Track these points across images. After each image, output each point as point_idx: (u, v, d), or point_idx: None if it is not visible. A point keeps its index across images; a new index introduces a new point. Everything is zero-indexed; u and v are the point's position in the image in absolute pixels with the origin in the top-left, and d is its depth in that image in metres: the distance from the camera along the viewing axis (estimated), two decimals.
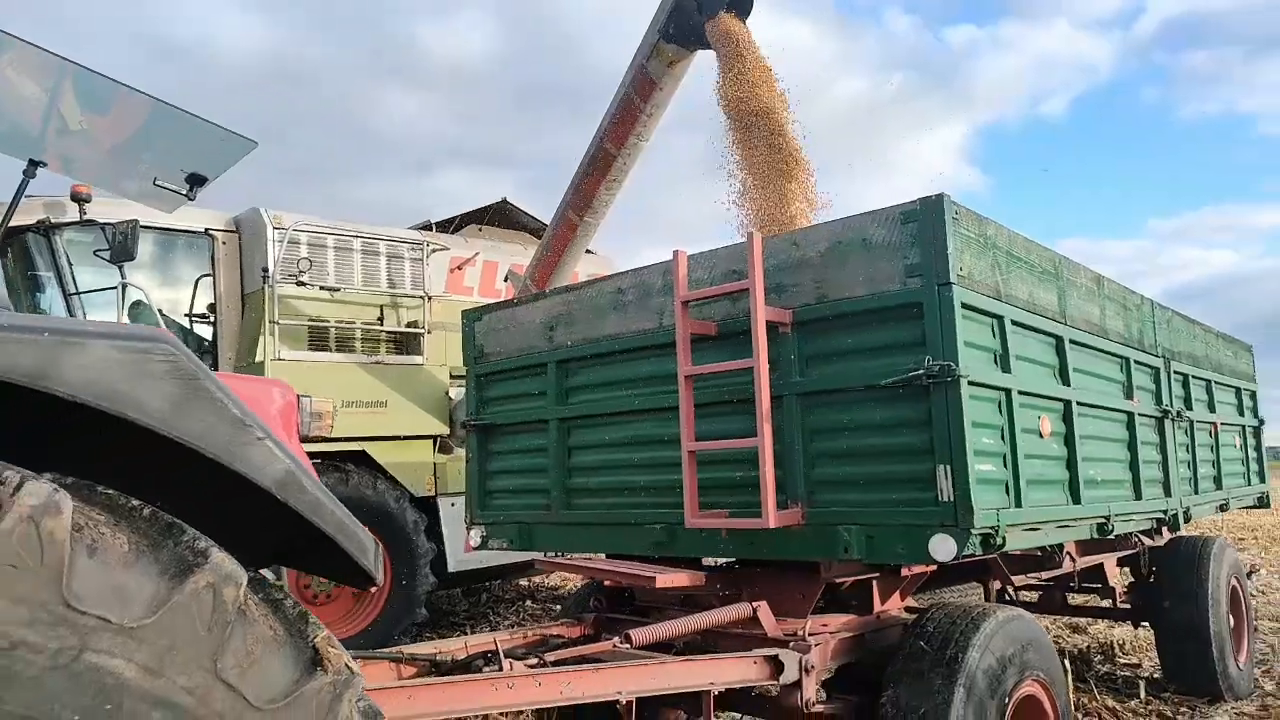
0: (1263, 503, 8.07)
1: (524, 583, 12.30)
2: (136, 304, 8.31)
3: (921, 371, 3.49)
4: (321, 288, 8.93)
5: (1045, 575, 5.64)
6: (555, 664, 3.47)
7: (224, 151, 4.47)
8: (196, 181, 4.62)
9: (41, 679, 1.35)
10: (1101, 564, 6.34)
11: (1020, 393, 3.89)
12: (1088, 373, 4.67)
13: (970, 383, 3.51)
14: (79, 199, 8.10)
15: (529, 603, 11.55)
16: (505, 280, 9.73)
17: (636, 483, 4.48)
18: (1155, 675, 7.17)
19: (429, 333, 9.47)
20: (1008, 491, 3.72)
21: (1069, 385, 4.37)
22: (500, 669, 3.28)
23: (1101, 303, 5.00)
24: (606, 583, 4.81)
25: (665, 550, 4.32)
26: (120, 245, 7.41)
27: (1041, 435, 4.08)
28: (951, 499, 3.42)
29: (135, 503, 1.54)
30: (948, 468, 3.43)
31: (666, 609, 4.57)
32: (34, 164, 4.97)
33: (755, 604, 3.97)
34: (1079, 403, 4.43)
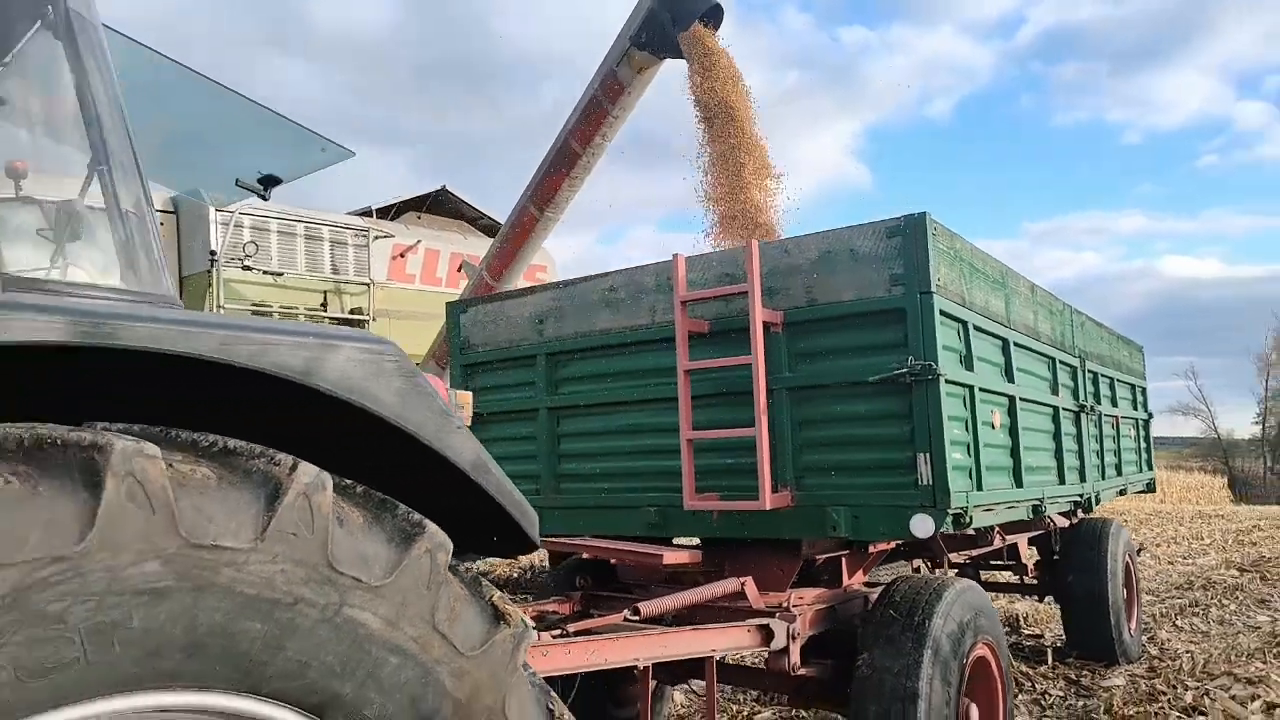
0: (1150, 488, 8.98)
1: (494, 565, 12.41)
2: None
3: (905, 370, 3.93)
4: (265, 272, 8.91)
5: (975, 552, 6.23)
6: (577, 634, 3.78)
7: (312, 157, 4.59)
8: (271, 182, 4.71)
9: (314, 630, 1.60)
10: (1017, 543, 7.00)
11: (980, 389, 4.40)
12: (1026, 371, 5.23)
13: (946, 380, 3.97)
14: (16, 175, 7.87)
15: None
16: (460, 270, 9.86)
17: (629, 468, 4.81)
18: (1058, 644, 7.93)
19: (374, 319, 9.54)
20: (971, 476, 4.22)
21: (1013, 383, 4.92)
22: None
23: (1035, 308, 5.59)
24: (586, 557, 5.12)
25: (658, 531, 4.66)
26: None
27: (994, 427, 4.60)
28: (930, 483, 3.88)
29: (349, 482, 1.79)
30: (927, 455, 3.88)
31: (650, 586, 4.91)
32: None
33: (743, 579, 4.36)
34: (1020, 398, 4.99)
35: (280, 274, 9.01)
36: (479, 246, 10.62)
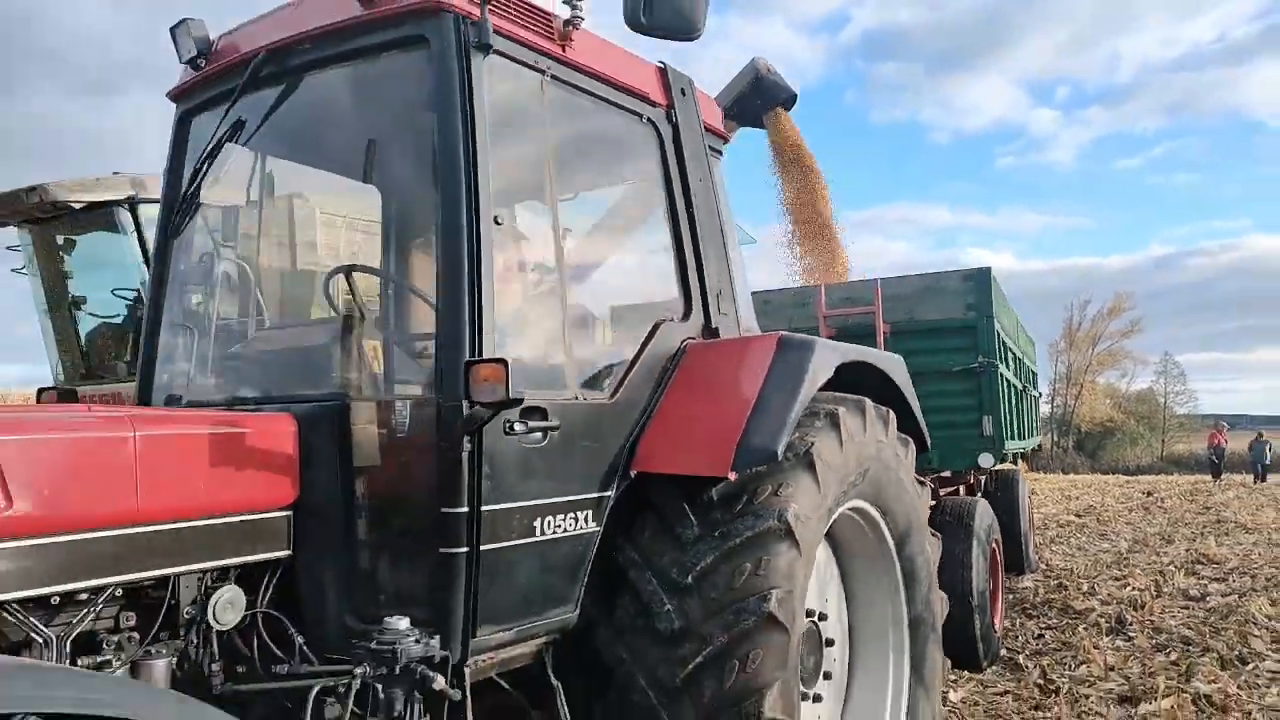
0: (1039, 448, 12.00)
1: None
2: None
3: (976, 365, 6.34)
4: None
5: (958, 485, 8.84)
6: None
7: None
8: None
9: (889, 473, 3.78)
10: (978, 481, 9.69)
11: (1002, 376, 6.89)
12: (1013, 364, 7.81)
13: (999, 372, 6.42)
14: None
15: None
16: None
17: None
18: None
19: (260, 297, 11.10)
20: (1004, 431, 6.70)
21: (1010, 370, 7.47)
22: None
23: (1007, 311, 8.18)
24: None
25: None
26: None
27: (1006, 401, 7.12)
28: (991, 434, 6.32)
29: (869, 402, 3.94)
30: (990, 418, 6.31)
31: None
32: None
33: None
34: (1006, 379, 7.53)
35: None
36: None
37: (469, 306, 2.62)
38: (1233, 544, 12.56)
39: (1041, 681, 6.23)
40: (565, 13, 3.06)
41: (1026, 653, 6.99)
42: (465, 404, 2.51)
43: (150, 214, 9.38)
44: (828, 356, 3.36)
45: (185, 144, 3.50)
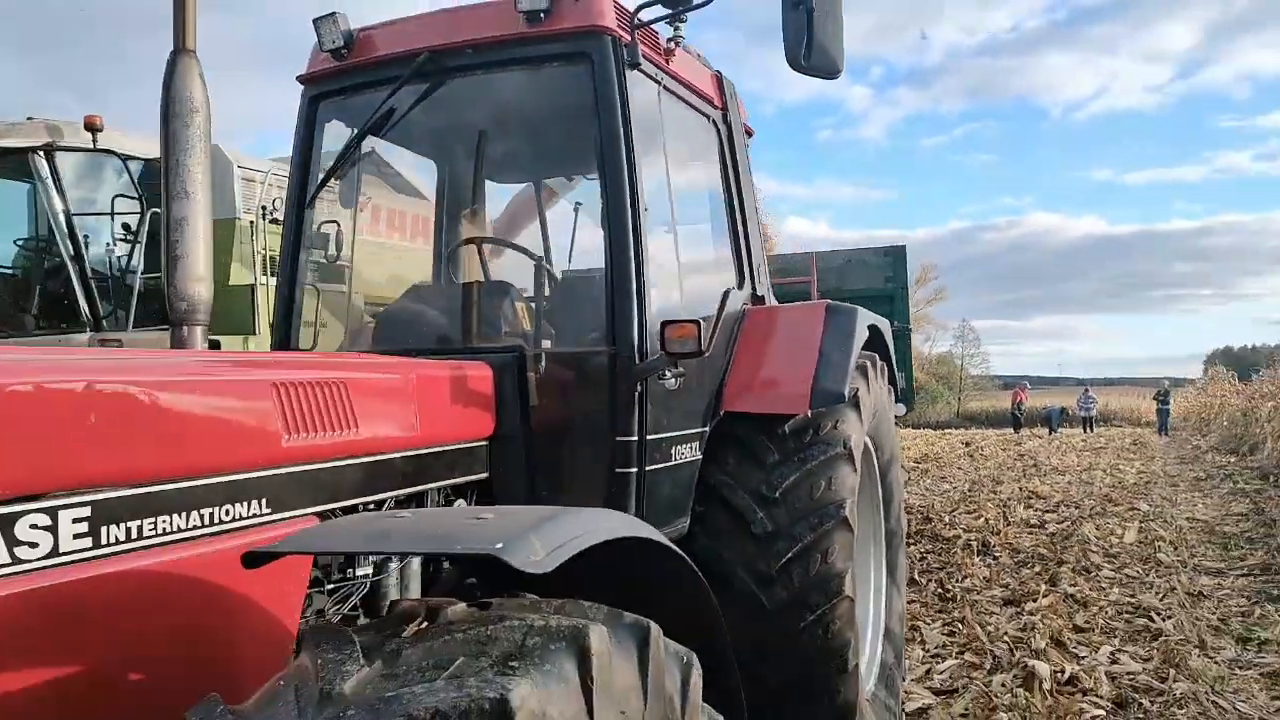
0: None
1: None
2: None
3: (895, 328, 7.43)
4: (272, 221, 10.44)
5: None
6: None
7: None
8: None
9: None
10: None
11: (911, 338, 8.05)
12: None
13: (910, 335, 7.55)
14: (92, 129, 8.88)
15: None
16: None
17: None
18: None
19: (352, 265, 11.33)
20: (911, 385, 7.87)
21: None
22: None
23: None
24: None
25: None
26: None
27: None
28: (904, 387, 7.44)
29: None
30: (903, 375, 7.43)
31: None
32: None
33: None
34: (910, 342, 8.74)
35: (280, 221, 10.55)
36: (405, 202, 12.67)
37: (634, 274, 3.29)
38: (1051, 483, 14.67)
39: (940, 591, 7.49)
40: (668, 32, 3.73)
41: (918, 571, 8.27)
42: (637, 355, 3.21)
43: (70, 162, 9.14)
44: (863, 320, 4.23)
45: (314, 124, 3.92)
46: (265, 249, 10.02)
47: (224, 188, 9.92)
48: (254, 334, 9.82)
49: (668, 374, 3.36)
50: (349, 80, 3.82)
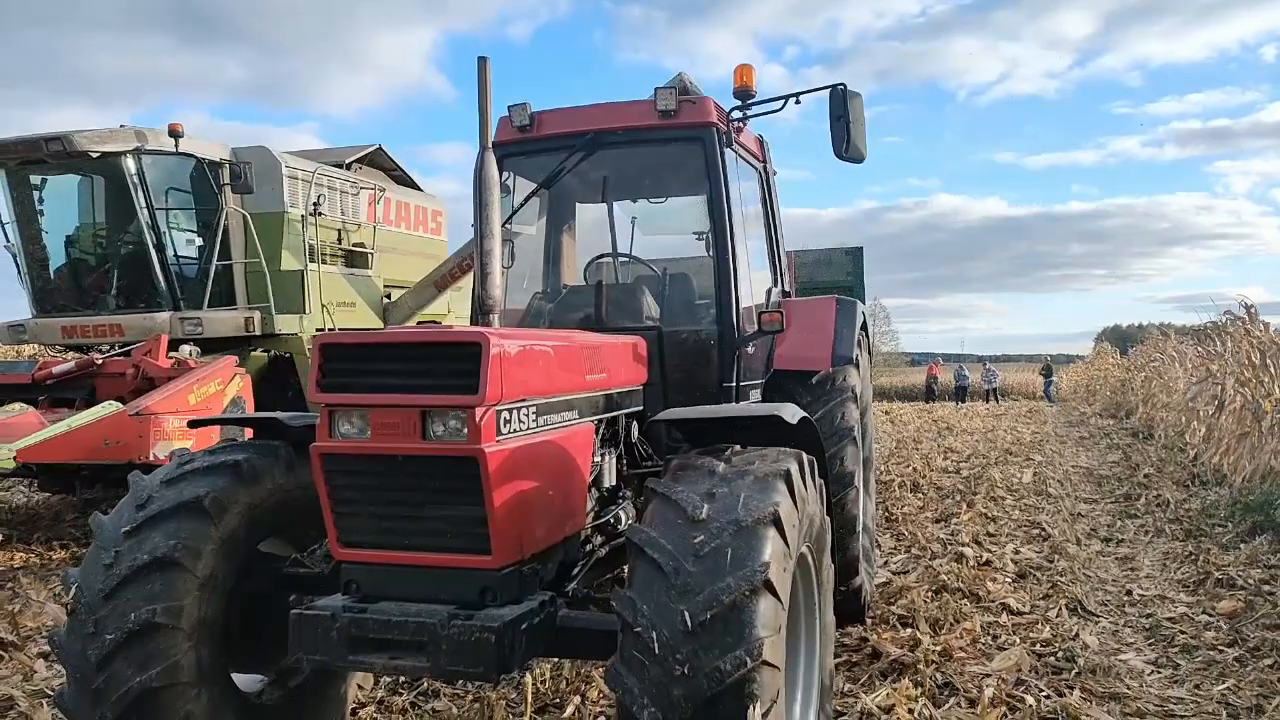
0: None
1: None
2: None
3: None
4: (317, 214, 11.93)
5: None
6: None
7: None
8: None
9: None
10: None
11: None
12: None
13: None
14: (175, 134, 10.31)
15: None
16: None
17: None
18: None
19: (375, 253, 12.93)
20: None
21: None
22: None
23: None
24: None
25: None
26: (242, 180, 10.18)
27: None
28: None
29: None
30: None
31: None
32: None
33: None
34: None
35: (322, 214, 12.00)
36: (409, 195, 14.29)
37: (732, 279, 5.23)
38: (963, 442, 17.19)
39: (887, 514, 9.70)
40: (739, 115, 5.66)
41: None
42: (735, 331, 5.18)
43: (154, 163, 10.44)
44: (860, 309, 6.29)
45: (500, 174, 5.74)
46: (316, 240, 11.61)
47: (274, 184, 11.42)
48: (306, 312, 11.39)
49: (753, 343, 5.34)
50: (527, 148, 5.64)
